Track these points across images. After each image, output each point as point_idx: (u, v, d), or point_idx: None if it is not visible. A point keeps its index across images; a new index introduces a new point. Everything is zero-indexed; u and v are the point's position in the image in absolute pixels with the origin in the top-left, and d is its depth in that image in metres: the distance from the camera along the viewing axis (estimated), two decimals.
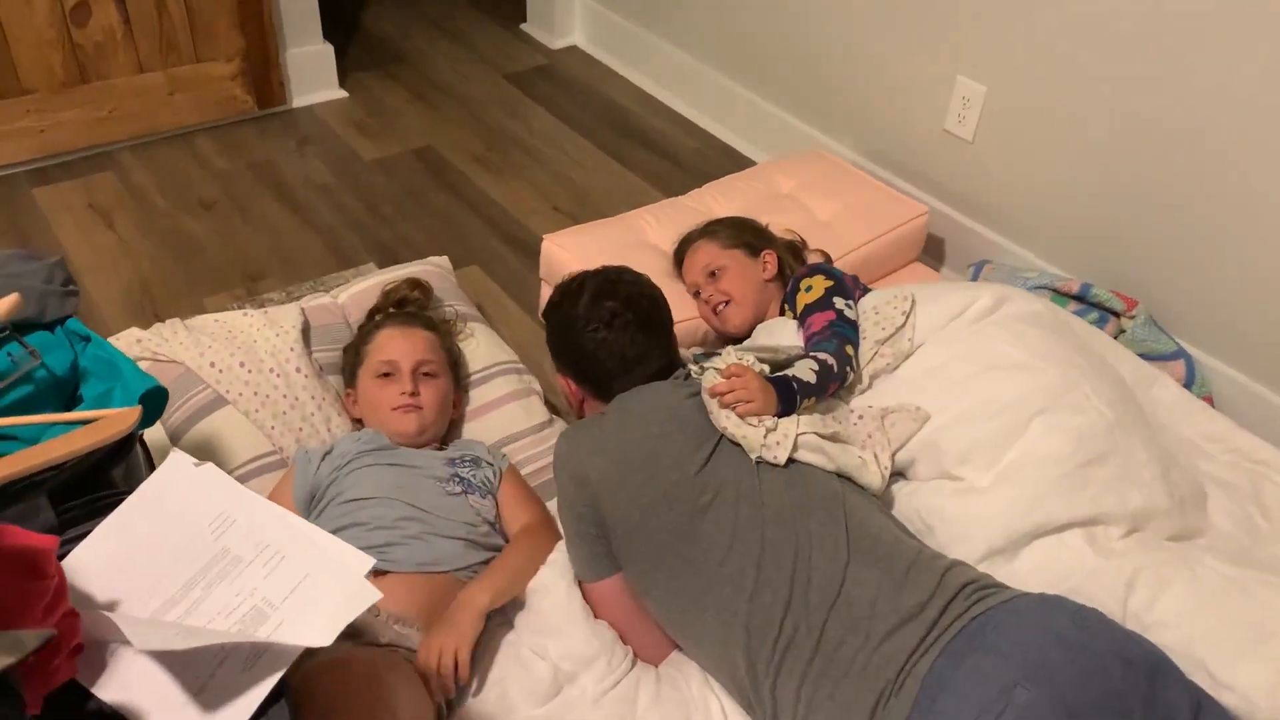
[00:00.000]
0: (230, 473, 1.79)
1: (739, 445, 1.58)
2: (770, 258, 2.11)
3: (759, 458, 1.57)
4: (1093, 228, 2.35)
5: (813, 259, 2.25)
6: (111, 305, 2.48)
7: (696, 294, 2.13)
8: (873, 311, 1.90)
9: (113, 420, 1.20)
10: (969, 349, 1.81)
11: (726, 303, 2.06)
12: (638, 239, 2.38)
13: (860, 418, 1.77)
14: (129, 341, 1.87)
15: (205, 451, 1.80)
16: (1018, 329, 1.82)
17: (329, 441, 1.83)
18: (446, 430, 1.91)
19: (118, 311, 2.46)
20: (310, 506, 1.71)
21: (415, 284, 2.03)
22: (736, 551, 1.49)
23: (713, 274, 2.08)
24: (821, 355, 1.73)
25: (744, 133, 3.24)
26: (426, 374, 1.84)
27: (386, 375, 1.81)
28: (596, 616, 1.64)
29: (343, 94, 3.41)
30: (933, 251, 2.69)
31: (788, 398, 1.64)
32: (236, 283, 2.58)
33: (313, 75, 3.32)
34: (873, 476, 1.67)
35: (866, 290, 2.02)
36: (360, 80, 3.51)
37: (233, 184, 2.94)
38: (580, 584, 1.64)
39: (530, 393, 2.06)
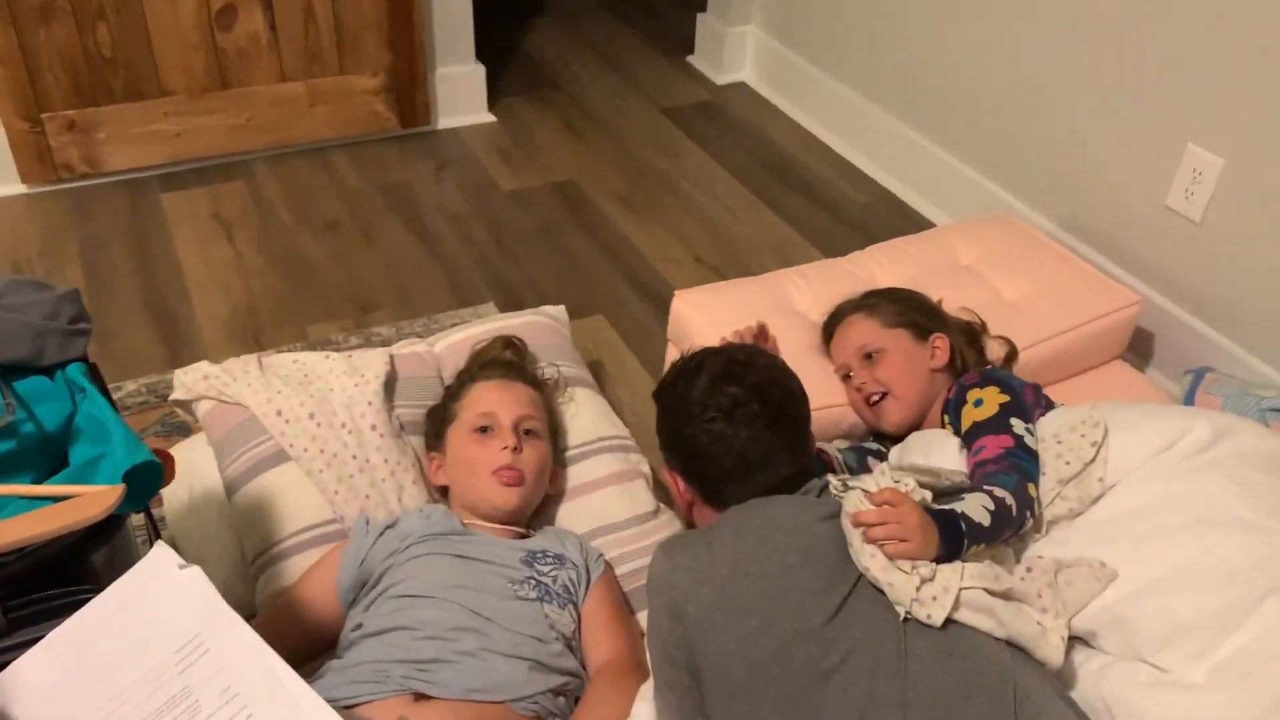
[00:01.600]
0: (282, 541, 1.56)
1: (882, 592, 1.23)
2: (941, 343, 1.75)
3: (908, 613, 1.22)
4: None
5: (993, 349, 1.87)
6: (214, 326, 2.32)
7: (846, 377, 1.78)
8: (1054, 440, 1.51)
9: (89, 500, 0.96)
10: (1175, 495, 1.41)
11: (883, 395, 1.71)
12: (782, 303, 2.06)
13: (1029, 570, 1.40)
14: (195, 377, 1.67)
15: (258, 513, 1.57)
16: (1244, 474, 1.41)
17: (397, 513, 1.57)
18: (537, 508, 1.63)
19: (220, 333, 2.30)
20: (358, 590, 1.45)
21: (507, 343, 1.77)
22: None
23: (869, 356, 1.74)
24: (998, 492, 1.36)
25: (921, 188, 2.87)
26: (528, 431, 1.57)
27: (484, 430, 1.55)
28: None
29: (490, 118, 3.22)
30: (1139, 349, 2.25)
31: (953, 540, 1.28)
32: (346, 312, 2.39)
33: (461, 96, 3.15)
34: (1052, 650, 1.30)
35: (1049, 406, 1.63)
36: (509, 106, 3.32)
37: (362, 205, 2.78)
38: None
39: (637, 475, 1.75)
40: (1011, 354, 1.89)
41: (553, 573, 1.48)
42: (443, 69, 3.07)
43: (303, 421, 1.61)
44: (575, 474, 1.72)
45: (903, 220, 2.78)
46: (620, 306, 2.45)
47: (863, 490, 1.31)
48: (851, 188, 2.94)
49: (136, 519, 1.48)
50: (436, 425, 1.64)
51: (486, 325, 1.89)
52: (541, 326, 1.91)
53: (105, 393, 1.16)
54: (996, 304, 2.04)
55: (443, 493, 1.63)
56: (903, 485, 1.32)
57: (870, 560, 1.24)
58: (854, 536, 1.27)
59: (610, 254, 2.64)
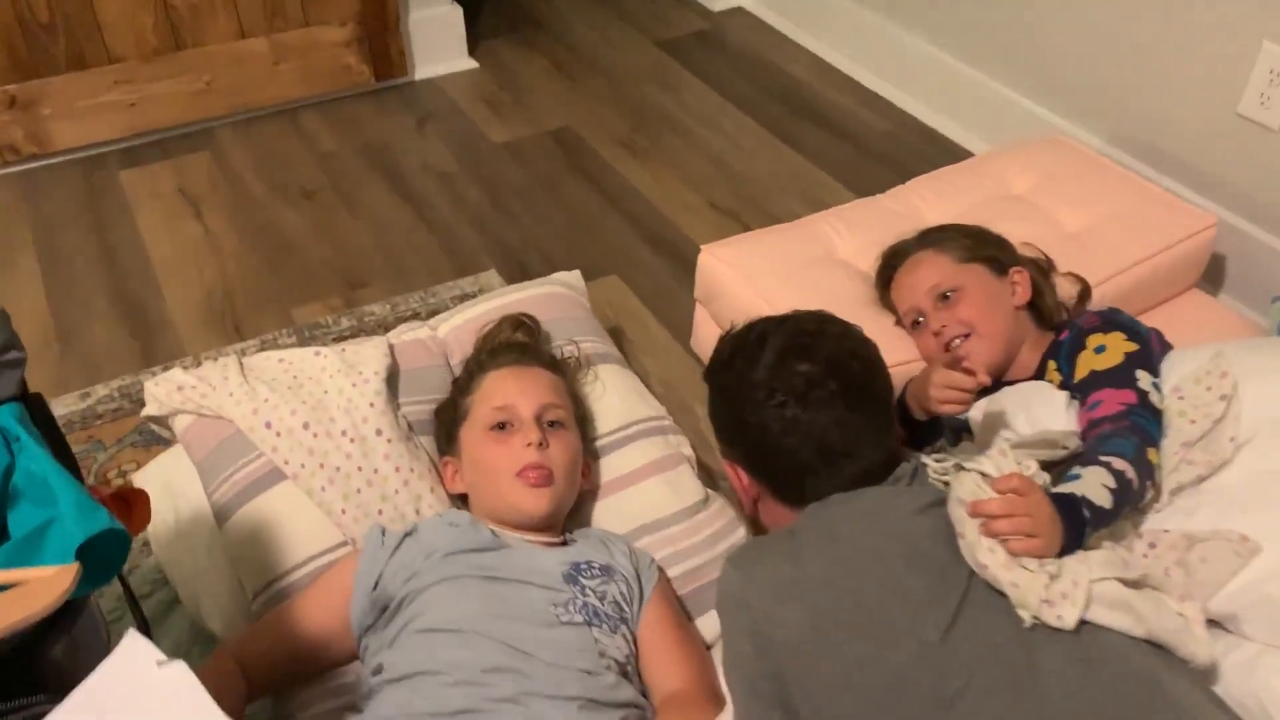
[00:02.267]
0: (285, 575, 1.35)
1: (998, 594, 1.04)
2: (1021, 278, 1.55)
3: (1035, 618, 1.02)
4: None
5: (1064, 288, 1.66)
6: (188, 313, 2.09)
7: (916, 324, 1.57)
8: (1174, 395, 1.31)
9: (37, 588, 0.75)
10: None
11: (966, 336, 1.49)
12: (822, 253, 1.84)
13: (1152, 546, 1.21)
14: (168, 389, 1.44)
15: (255, 543, 1.36)
16: None
17: (413, 525, 1.36)
18: (571, 508, 1.42)
19: (195, 322, 2.07)
20: (375, 615, 1.25)
21: (517, 323, 1.54)
22: None
23: (944, 296, 1.52)
24: (1118, 464, 1.16)
25: (950, 111, 2.62)
26: (553, 423, 1.36)
27: (502, 427, 1.34)
28: None
29: (472, 64, 2.96)
30: (1213, 276, 2.04)
31: (1075, 530, 1.09)
32: (333, 290, 2.16)
33: (439, 42, 2.88)
34: (1198, 645, 1.11)
35: (1166, 349, 1.42)
36: (492, 49, 3.05)
37: (340, 169, 2.53)
38: None
39: (680, 461, 1.54)
40: (1084, 292, 1.68)
41: (601, 588, 1.28)
42: (417, 13, 2.80)
43: (297, 433, 1.39)
44: (610, 465, 1.51)
45: (934, 149, 2.54)
46: (635, 265, 2.23)
47: (979, 474, 1.10)
48: (873, 115, 2.70)
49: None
50: (447, 425, 1.43)
51: (494, 301, 1.66)
52: (557, 298, 1.69)
53: (54, 432, 0.94)
54: (1059, 237, 1.82)
55: (462, 501, 1.42)
56: (1025, 468, 1.11)
57: (989, 557, 1.05)
58: (967, 528, 1.07)
59: (618, 206, 2.40)
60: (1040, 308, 1.58)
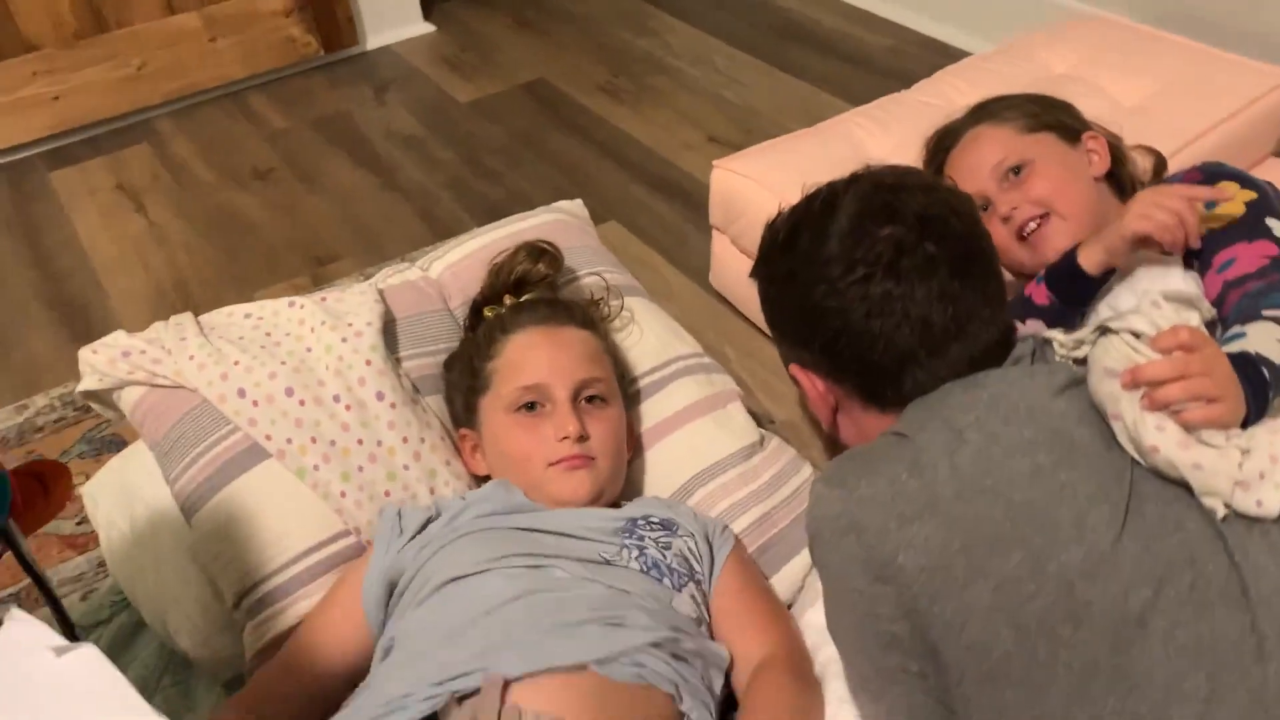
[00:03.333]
0: (275, 573, 1.08)
1: (1178, 484, 0.80)
2: (1097, 144, 1.31)
3: (1228, 506, 0.79)
4: None
5: (1138, 163, 1.43)
6: (136, 308, 1.84)
7: (983, 209, 1.33)
8: None
9: None
10: None
11: (1044, 216, 1.25)
12: (852, 154, 1.60)
13: None
14: (111, 356, 1.18)
15: (232, 537, 1.09)
16: None
17: (435, 508, 1.10)
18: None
19: (144, 316, 1.82)
20: (387, 597, 1.00)
21: (537, 252, 1.25)
22: (1229, 705, 0.74)
23: (1013, 172, 1.28)
24: None
25: (951, 18, 2.40)
26: (592, 398, 1.11)
27: (530, 408, 1.08)
28: None
29: (428, 28, 2.72)
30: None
31: (1258, 393, 0.86)
32: (299, 268, 1.90)
33: (389, 7, 2.64)
34: None
35: None
36: (448, 11, 2.81)
37: (295, 145, 2.28)
38: None
39: (731, 397, 1.30)
40: (1159, 165, 1.45)
41: (664, 539, 1.03)
42: None
43: (279, 400, 1.13)
44: (651, 410, 1.25)
45: (943, 59, 2.30)
46: (636, 207, 1.99)
47: (1129, 333, 0.86)
48: (870, 34, 2.47)
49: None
50: (464, 394, 1.16)
51: (492, 234, 1.40)
52: (563, 226, 1.43)
53: None
54: (1118, 113, 1.59)
55: (481, 482, 1.17)
56: (1186, 319, 0.87)
57: (1158, 436, 0.81)
58: (1124, 405, 0.83)
59: (608, 152, 2.16)
60: (1120, 178, 1.35)
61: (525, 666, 0.84)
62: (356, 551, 1.10)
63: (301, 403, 1.14)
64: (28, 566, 0.85)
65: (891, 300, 0.92)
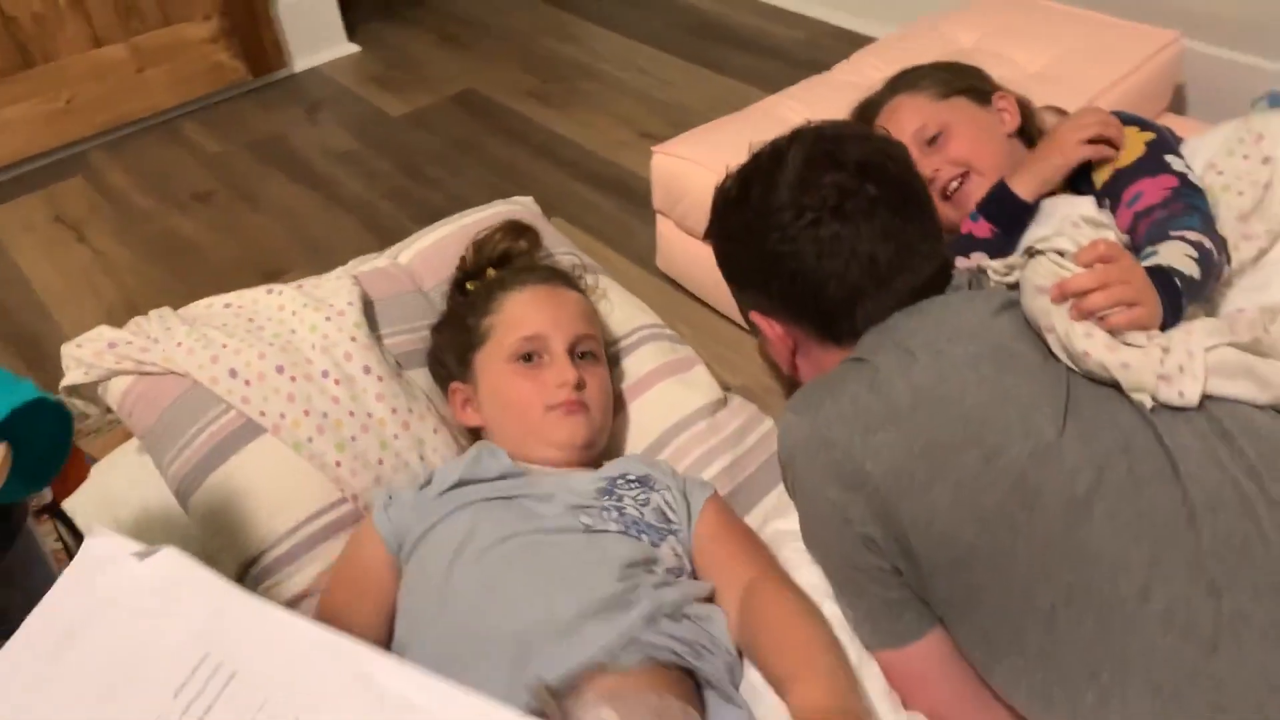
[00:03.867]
0: (280, 541, 1.12)
1: (1108, 384, 0.89)
2: (1007, 103, 1.42)
3: (1154, 398, 0.88)
4: None
5: (1045, 120, 1.54)
6: None
7: None
8: (1212, 172, 1.20)
9: None
10: None
11: (964, 175, 1.35)
12: (784, 130, 1.68)
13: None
14: (96, 349, 1.20)
15: (232, 513, 1.13)
16: None
17: (422, 475, 1.15)
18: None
19: None
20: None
21: (519, 229, 1.34)
22: (1167, 568, 0.81)
23: (932, 140, 1.38)
24: (1191, 235, 1.04)
25: (859, 9, 2.52)
26: (585, 354, 1.18)
27: (528, 359, 1.15)
28: (908, 707, 0.95)
29: (353, 48, 2.76)
30: (1177, 107, 1.95)
31: (1171, 300, 0.95)
32: (249, 282, 1.88)
33: (314, 29, 2.67)
34: None
35: (1179, 141, 1.31)
36: (373, 31, 2.85)
37: (232, 168, 2.30)
38: (875, 655, 0.96)
39: (693, 362, 1.37)
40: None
41: (641, 497, 1.09)
42: (286, 0, 2.59)
43: (270, 378, 1.16)
44: (623, 373, 1.33)
45: (855, 48, 2.42)
46: (579, 204, 2.05)
47: (1055, 252, 0.95)
48: (786, 29, 2.58)
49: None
50: (458, 349, 1.21)
51: (454, 224, 1.46)
52: (520, 217, 1.49)
53: None
54: (1022, 78, 1.70)
55: (474, 435, 1.22)
56: (1105, 236, 0.97)
57: (1087, 342, 0.90)
58: (1056, 317, 0.92)
59: (545, 153, 2.23)
60: (1030, 133, 1.46)
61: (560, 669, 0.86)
62: (355, 517, 1.14)
63: (293, 379, 1.18)
64: (71, 528, 0.87)
65: (840, 240, 1.00)
